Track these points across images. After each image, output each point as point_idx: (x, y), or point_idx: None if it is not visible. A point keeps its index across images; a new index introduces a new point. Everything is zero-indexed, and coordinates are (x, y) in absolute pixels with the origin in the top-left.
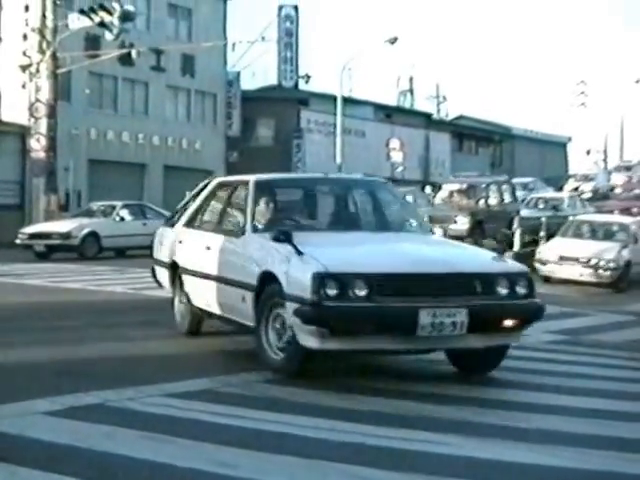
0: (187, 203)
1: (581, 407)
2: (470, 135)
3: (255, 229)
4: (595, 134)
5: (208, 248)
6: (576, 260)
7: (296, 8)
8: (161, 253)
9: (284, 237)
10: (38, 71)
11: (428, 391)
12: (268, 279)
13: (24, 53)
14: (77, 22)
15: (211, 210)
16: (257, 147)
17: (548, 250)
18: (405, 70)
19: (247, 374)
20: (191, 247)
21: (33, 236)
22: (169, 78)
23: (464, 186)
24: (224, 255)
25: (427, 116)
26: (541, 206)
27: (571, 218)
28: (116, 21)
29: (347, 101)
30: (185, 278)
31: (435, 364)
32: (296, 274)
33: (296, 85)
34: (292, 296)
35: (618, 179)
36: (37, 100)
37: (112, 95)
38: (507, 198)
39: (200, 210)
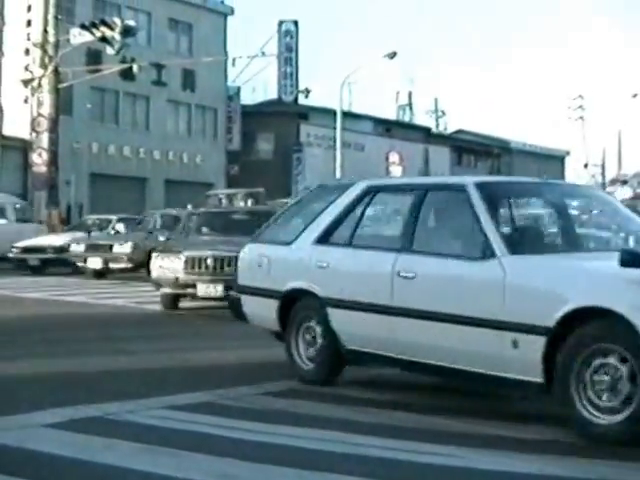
0: (284, 215)
1: None
2: (469, 149)
3: (514, 250)
4: (593, 148)
5: (402, 275)
6: None
7: (296, 23)
8: (262, 279)
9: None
10: (40, 86)
11: (427, 403)
12: (583, 318)
13: (26, 68)
14: (79, 37)
15: (374, 224)
16: (257, 161)
17: None
18: (404, 84)
19: (246, 387)
20: (356, 272)
21: (27, 250)
22: (170, 93)
23: None
24: (451, 285)
25: (426, 130)
26: None
27: None
28: (117, 36)
29: (347, 115)
30: (336, 313)
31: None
32: None
33: (296, 99)
34: None
35: (621, 193)
36: (39, 114)
37: (113, 109)
38: None
39: (349, 224)
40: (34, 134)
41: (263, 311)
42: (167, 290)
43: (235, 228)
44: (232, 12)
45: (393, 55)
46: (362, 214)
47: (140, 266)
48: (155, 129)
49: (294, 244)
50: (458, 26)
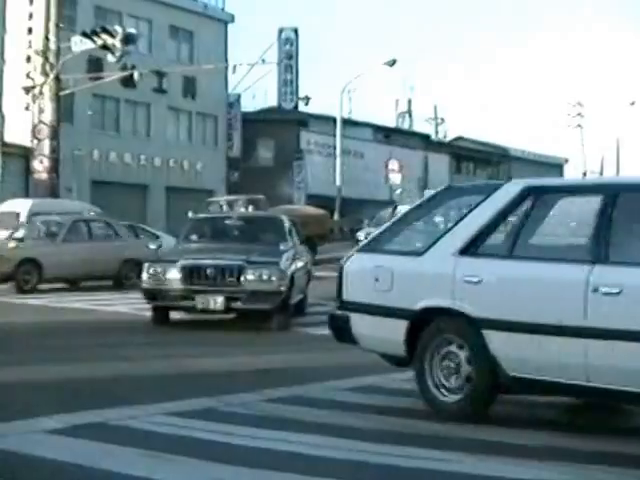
0: (403, 220)
1: (585, 423)
2: (468, 156)
3: None
4: (591, 155)
5: (602, 290)
6: None
7: (296, 31)
8: (381, 295)
9: None
10: (41, 93)
11: (428, 409)
12: None
13: (27, 75)
14: (80, 45)
15: (542, 231)
16: (257, 167)
17: None
18: (404, 92)
19: (247, 394)
20: (529, 288)
21: None
22: (171, 100)
23: None
24: None
25: (426, 137)
26: None
27: None
28: (118, 44)
29: (346, 122)
30: (497, 336)
31: None
32: None
33: (296, 107)
34: None
35: None
36: (40, 122)
37: (114, 117)
38: None
39: (505, 231)
40: (35, 141)
41: (384, 333)
42: (159, 303)
43: (234, 235)
44: (232, 20)
45: (393, 63)
46: (523, 220)
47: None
48: (156, 136)
49: (427, 255)
50: (457, 34)
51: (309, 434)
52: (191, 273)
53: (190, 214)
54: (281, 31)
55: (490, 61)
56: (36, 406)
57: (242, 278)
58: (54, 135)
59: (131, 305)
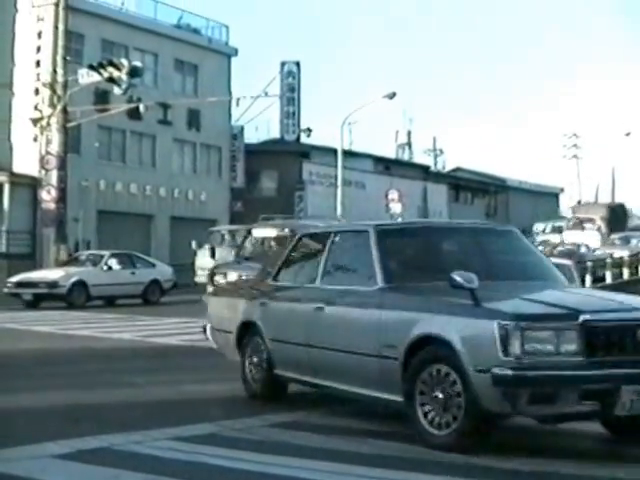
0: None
1: (582, 448)
2: (466, 186)
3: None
4: (587, 184)
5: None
6: None
7: (298, 64)
8: None
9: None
10: (49, 124)
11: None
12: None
13: (35, 107)
14: (87, 77)
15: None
16: (260, 198)
17: None
18: (403, 124)
19: (250, 419)
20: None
21: (20, 284)
22: (176, 132)
23: None
24: None
25: (425, 168)
26: None
27: None
28: (124, 76)
29: (347, 154)
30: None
31: None
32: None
33: (298, 138)
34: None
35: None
36: (48, 152)
37: (121, 148)
38: None
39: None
40: (43, 171)
41: None
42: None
43: None
44: (236, 53)
45: (392, 95)
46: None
47: None
48: (161, 167)
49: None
50: (455, 67)
51: (311, 459)
52: None
53: (193, 244)
54: (283, 64)
55: (487, 93)
56: (41, 431)
57: None
58: (61, 166)
59: (134, 332)
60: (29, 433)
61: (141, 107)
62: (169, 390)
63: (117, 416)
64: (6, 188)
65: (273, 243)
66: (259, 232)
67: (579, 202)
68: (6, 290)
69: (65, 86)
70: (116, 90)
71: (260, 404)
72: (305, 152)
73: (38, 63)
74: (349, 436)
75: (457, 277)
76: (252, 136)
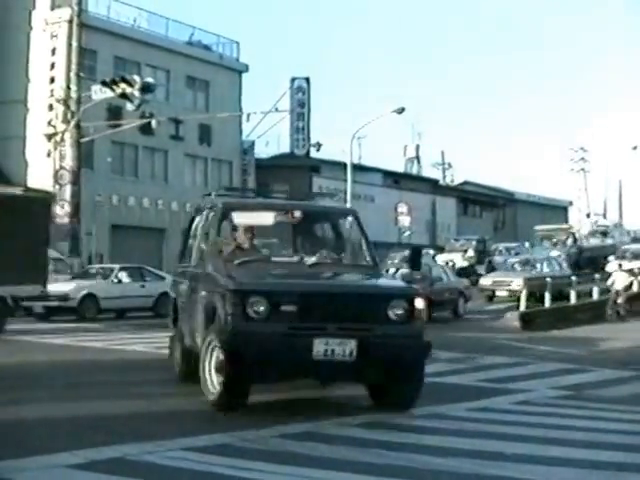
0: None
1: (583, 459)
2: (474, 200)
3: None
4: (595, 197)
5: None
6: None
7: (308, 80)
8: None
9: None
10: (63, 140)
11: (439, 444)
12: None
13: (49, 123)
14: (100, 93)
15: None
16: None
17: None
18: (412, 138)
19: (262, 429)
20: None
21: (30, 298)
22: (187, 147)
23: None
24: None
25: (433, 182)
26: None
27: None
28: (137, 92)
29: (357, 168)
30: None
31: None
32: None
33: (308, 153)
34: None
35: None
36: (61, 167)
37: (133, 163)
38: None
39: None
40: (57, 186)
41: None
42: None
43: None
44: (247, 69)
45: (401, 110)
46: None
47: None
48: (173, 182)
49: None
50: (463, 82)
51: (321, 469)
52: None
53: None
54: (293, 80)
55: (496, 107)
56: (55, 442)
57: None
58: (75, 180)
59: (148, 344)
60: (44, 443)
61: (153, 123)
62: (182, 401)
63: (131, 426)
64: None
65: None
66: None
67: (588, 215)
68: None
69: (78, 102)
70: (128, 106)
71: (272, 415)
72: (315, 166)
73: (52, 79)
74: (360, 447)
75: None
76: (262, 151)
